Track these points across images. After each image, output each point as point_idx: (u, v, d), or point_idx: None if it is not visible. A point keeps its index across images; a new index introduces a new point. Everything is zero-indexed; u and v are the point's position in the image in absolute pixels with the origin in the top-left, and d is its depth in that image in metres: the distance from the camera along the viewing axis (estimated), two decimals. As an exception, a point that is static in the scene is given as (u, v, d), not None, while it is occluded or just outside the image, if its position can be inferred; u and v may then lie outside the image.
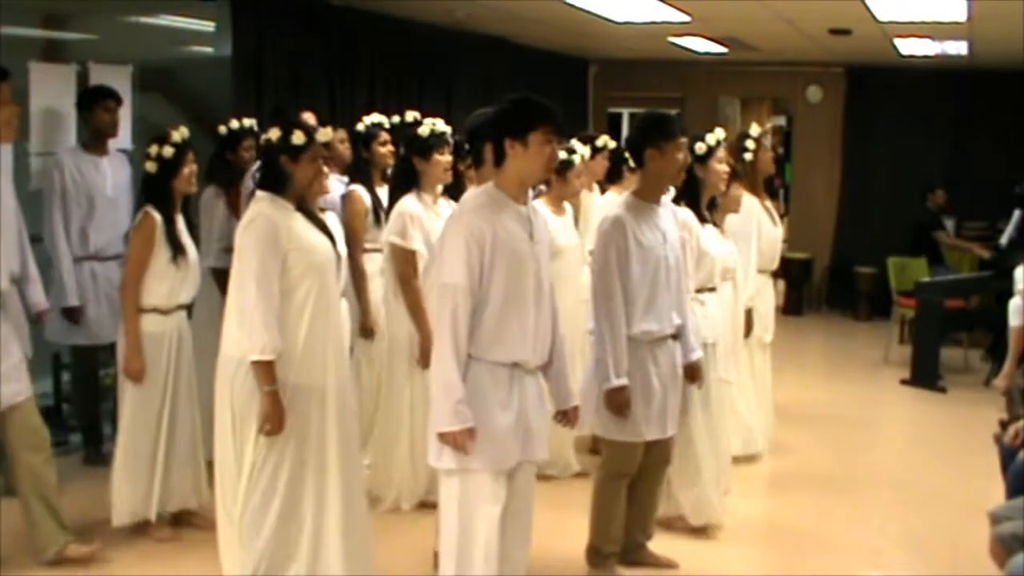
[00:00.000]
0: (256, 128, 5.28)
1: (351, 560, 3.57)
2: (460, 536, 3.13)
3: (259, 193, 3.52)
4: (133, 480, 4.22)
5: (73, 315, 5.03)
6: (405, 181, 4.59)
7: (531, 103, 3.17)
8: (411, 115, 5.54)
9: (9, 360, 3.87)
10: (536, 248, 3.18)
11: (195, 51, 7.16)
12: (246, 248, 3.41)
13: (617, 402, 3.81)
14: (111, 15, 6.43)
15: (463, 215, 3.16)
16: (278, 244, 3.39)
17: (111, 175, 5.13)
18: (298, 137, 3.49)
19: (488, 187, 3.21)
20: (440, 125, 4.60)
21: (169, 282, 4.19)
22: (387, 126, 5.43)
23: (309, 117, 5.24)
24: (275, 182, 3.50)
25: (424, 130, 4.53)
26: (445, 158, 4.53)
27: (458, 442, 3.04)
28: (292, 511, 3.49)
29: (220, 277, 4.96)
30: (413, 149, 4.56)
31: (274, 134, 3.52)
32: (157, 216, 4.16)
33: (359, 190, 5.17)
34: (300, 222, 3.51)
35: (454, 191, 4.52)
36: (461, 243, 3.05)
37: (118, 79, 5.48)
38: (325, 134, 3.62)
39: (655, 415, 3.93)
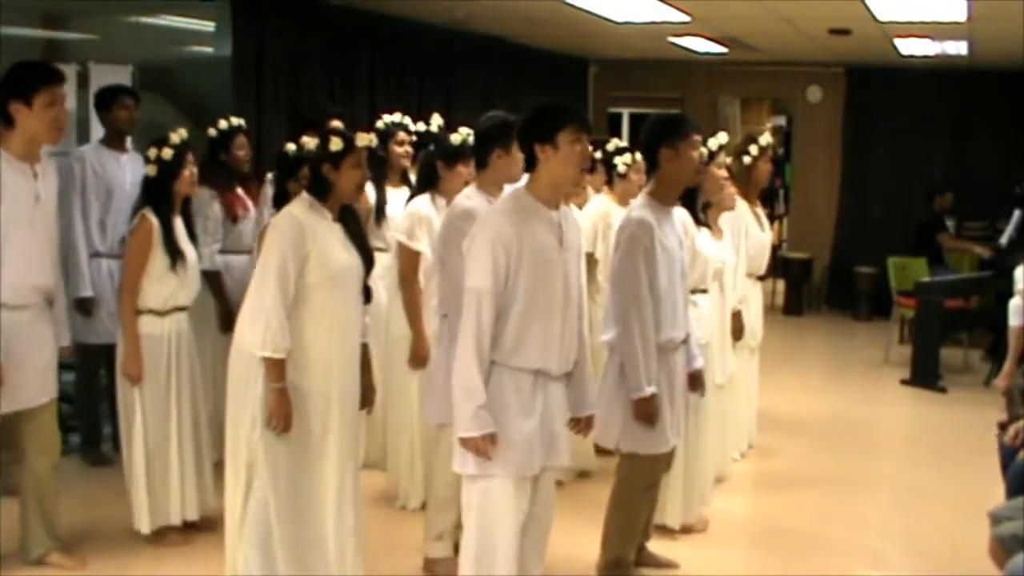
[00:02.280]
0: (245, 126, 5.28)
1: (345, 562, 3.58)
2: (479, 544, 3.11)
3: (303, 194, 3.56)
4: (152, 486, 4.19)
5: (85, 307, 5.03)
6: (425, 182, 4.56)
7: (554, 104, 3.16)
8: (436, 121, 5.54)
9: (35, 362, 3.87)
10: (565, 255, 3.16)
11: (195, 51, 7.17)
12: (271, 245, 3.45)
13: (648, 411, 3.71)
14: (111, 15, 6.44)
15: (491, 218, 3.13)
16: (302, 245, 3.41)
17: (130, 171, 5.14)
18: (335, 144, 3.49)
19: (518, 191, 3.18)
20: (472, 138, 4.41)
21: (166, 286, 4.16)
22: (410, 127, 5.41)
23: (337, 125, 5.24)
24: (317, 189, 3.53)
25: (456, 138, 4.44)
26: (468, 171, 4.39)
27: (479, 448, 3.02)
28: (292, 512, 3.50)
29: (213, 280, 4.96)
30: (439, 153, 4.50)
31: (311, 143, 3.53)
32: (154, 220, 4.13)
33: (366, 188, 5.12)
34: (334, 232, 3.52)
35: (430, 186, 4.50)
36: (487, 247, 3.03)
37: (118, 79, 5.49)
38: (364, 138, 3.58)
39: (677, 421, 3.90)
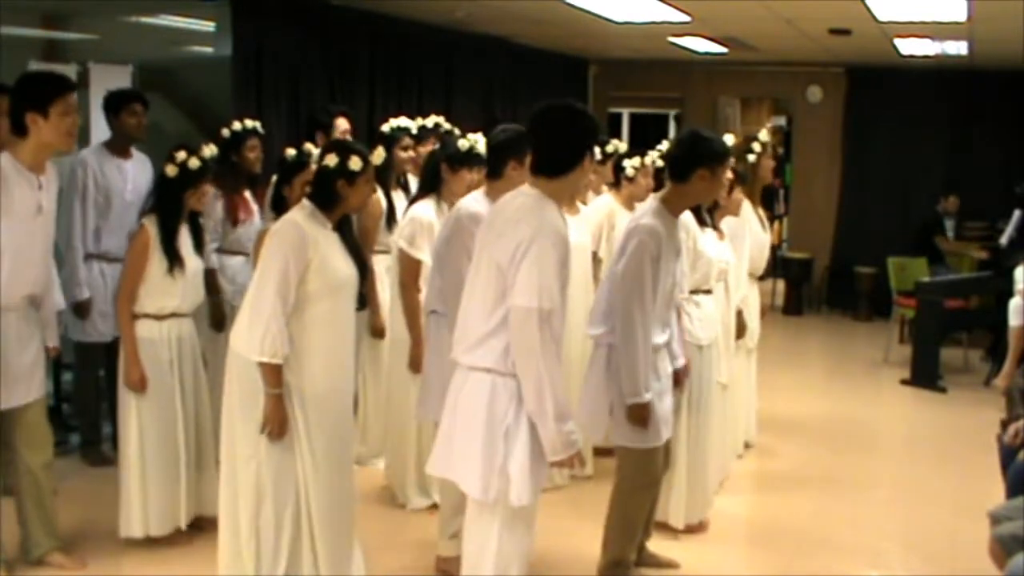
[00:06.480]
0: (260, 129, 5.26)
1: (336, 563, 3.55)
2: (497, 565, 3.05)
3: (304, 202, 3.55)
4: (147, 491, 4.16)
5: (81, 309, 5.03)
6: (429, 184, 4.55)
7: (595, 120, 3.18)
8: (433, 119, 5.55)
9: (21, 361, 3.86)
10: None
11: (195, 51, 7.18)
12: (273, 251, 3.42)
13: (642, 416, 3.72)
14: (111, 15, 6.44)
15: (549, 230, 2.98)
16: (304, 252, 3.39)
17: (132, 178, 5.14)
18: (355, 163, 3.49)
19: (541, 198, 3.06)
20: (481, 145, 4.37)
21: (163, 293, 4.15)
22: (414, 132, 5.40)
23: (343, 123, 5.23)
24: (325, 201, 3.51)
25: (464, 144, 4.42)
26: (472, 176, 4.38)
27: (572, 464, 3.08)
28: (283, 512, 3.48)
29: (209, 278, 4.96)
30: (445, 157, 4.48)
31: (331, 160, 3.51)
32: (152, 229, 4.13)
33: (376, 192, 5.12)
34: (332, 241, 3.52)
35: (433, 190, 4.50)
36: (555, 265, 2.96)
37: (118, 79, 5.50)
38: (379, 156, 3.61)
39: (666, 417, 3.90)
